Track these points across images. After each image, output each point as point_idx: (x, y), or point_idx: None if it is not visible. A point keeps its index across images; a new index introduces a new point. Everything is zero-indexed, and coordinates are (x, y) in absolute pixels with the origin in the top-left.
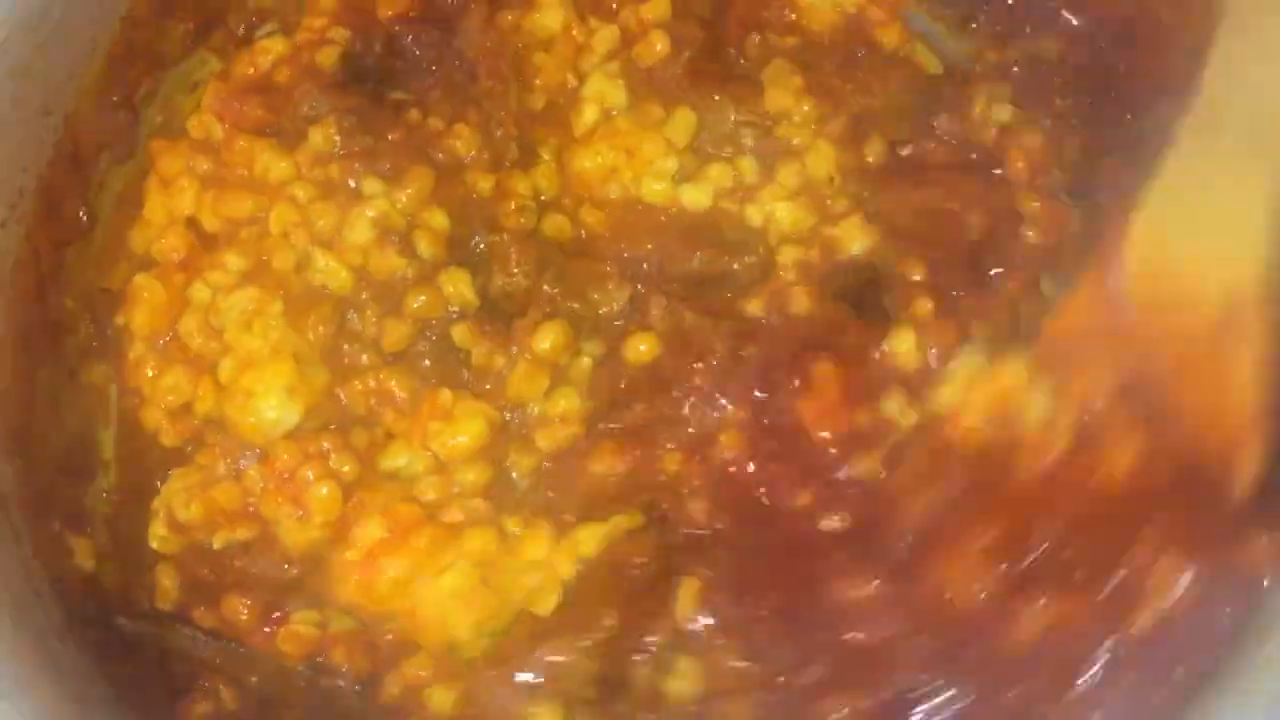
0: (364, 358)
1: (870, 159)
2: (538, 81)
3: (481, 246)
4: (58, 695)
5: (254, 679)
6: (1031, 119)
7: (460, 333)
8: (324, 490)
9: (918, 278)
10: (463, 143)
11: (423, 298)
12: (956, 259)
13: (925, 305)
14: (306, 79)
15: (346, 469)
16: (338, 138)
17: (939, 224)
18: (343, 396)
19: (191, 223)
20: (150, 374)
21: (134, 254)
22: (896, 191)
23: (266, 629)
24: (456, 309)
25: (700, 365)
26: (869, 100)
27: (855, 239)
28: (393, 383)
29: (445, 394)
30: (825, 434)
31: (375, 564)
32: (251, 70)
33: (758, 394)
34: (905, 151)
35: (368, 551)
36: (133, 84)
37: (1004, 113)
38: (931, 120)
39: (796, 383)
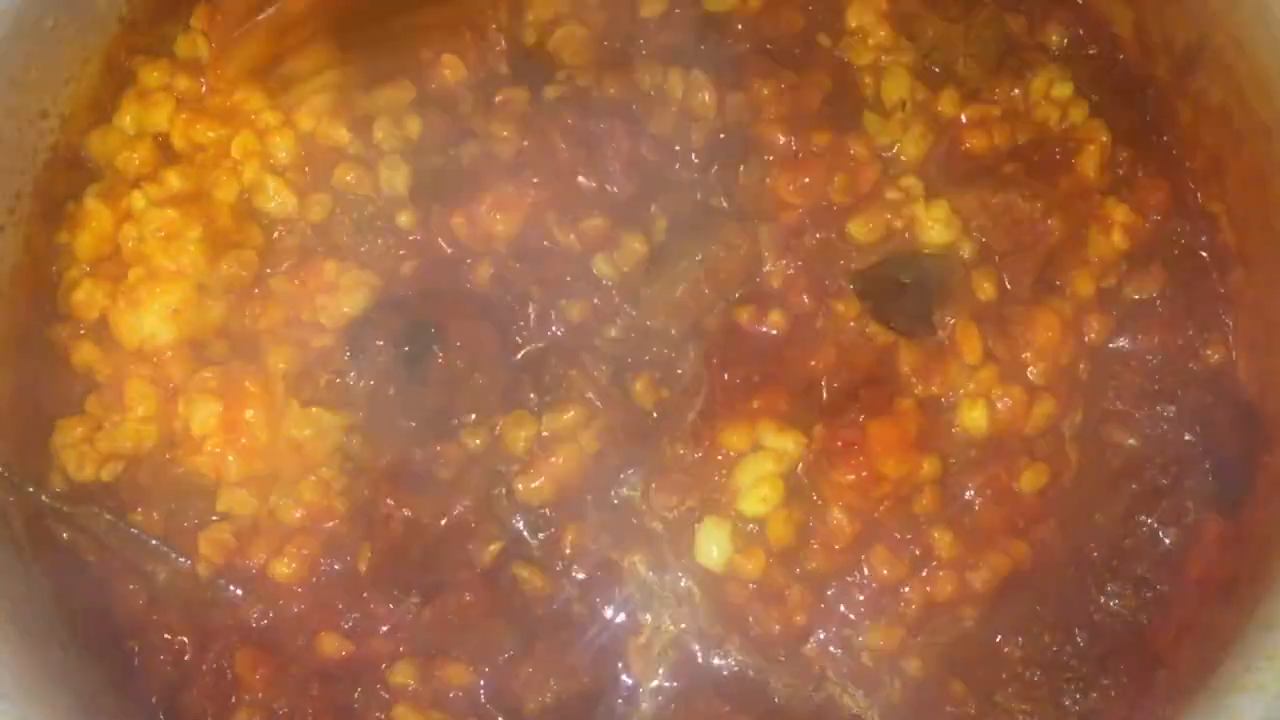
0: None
1: (942, 108)
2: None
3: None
4: (60, 698)
5: (161, 575)
6: (1096, 108)
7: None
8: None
9: (985, 295)
10: (451, 71)
11: (350, 175)
12: (1029, 266)
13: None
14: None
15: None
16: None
17: (1018, 226)
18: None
19: (160, 140)
20: (79, 292)
21: (90, 158)
22: (977, 191)
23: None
24: (387, 194)
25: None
26: (950, 27)
27: (936, 226)
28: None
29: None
30: (888, 470)
31: (241, 429)
32: None
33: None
34: (969, 113)
35: (224, 425)
36: (129, 87)
37: (1065, 89)
38: (996, 84)
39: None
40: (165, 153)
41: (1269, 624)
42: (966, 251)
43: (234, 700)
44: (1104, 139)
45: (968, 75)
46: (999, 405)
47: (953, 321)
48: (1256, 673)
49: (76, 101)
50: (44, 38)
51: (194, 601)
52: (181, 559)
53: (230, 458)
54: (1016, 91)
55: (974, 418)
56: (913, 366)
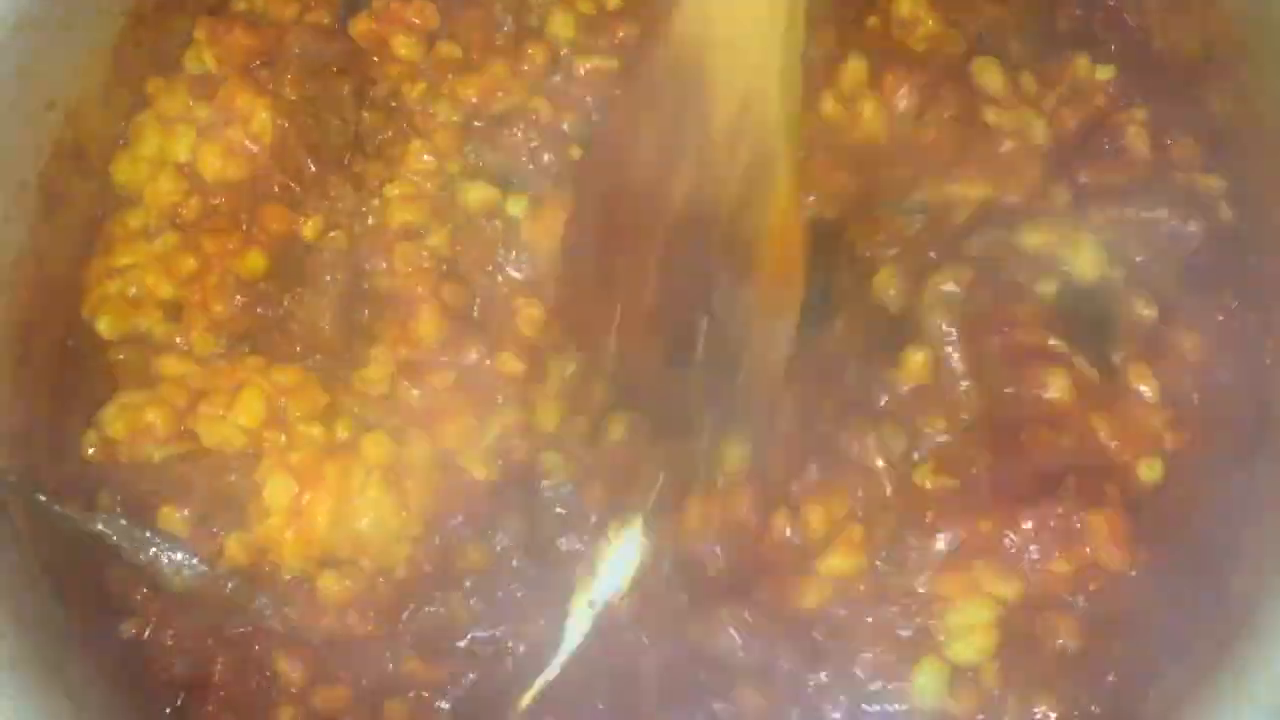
0: None
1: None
2: None
3: None
4: (61, 698)
5: (177, 580)
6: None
7: None
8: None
9: (1149, 313)
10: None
11: None
12: (1174, 276)
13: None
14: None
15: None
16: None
17: (1157, 240)
18: None
19: (185, 169)
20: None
21: (119, 185)
22: (1108, 211)
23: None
24: None
25: None
26: (1001, 9)
27: (1086, 259)
28: None
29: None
30: (1113, 558)
31: (305, 515)
32: (244, 6)
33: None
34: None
35: (290, 509)
36: (136, 79)
37: (1107, 72)
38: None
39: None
40: (193, 182)
41: (1261, 632)
42: (1120, 279)
43: (272, 698)
44: (1142, 115)
45: (1021, 58)
46: (1171, 450)
47: (1125, 358)
48: (1248, 683)
49: (84, 94)
50: (51, 29)
51: (210, 604)
52: (200, 563)
53: (287, 532)
54: (1059, 72)
55: (1152, 472)
56: (1111, 432)
